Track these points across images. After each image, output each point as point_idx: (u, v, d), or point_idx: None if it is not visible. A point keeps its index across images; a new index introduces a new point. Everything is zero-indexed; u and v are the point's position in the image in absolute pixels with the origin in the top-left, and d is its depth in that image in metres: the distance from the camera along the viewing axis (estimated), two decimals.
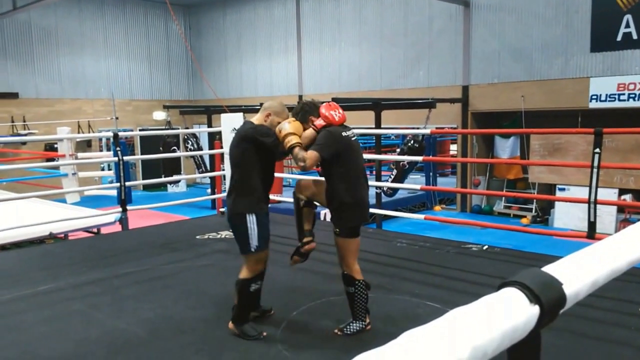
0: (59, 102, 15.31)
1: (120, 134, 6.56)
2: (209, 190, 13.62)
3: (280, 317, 3.60)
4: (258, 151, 3.23)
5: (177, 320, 3.62)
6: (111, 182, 11.17)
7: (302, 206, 3.50)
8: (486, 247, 5.40)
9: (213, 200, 10.37)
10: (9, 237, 6.01)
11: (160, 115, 15.80)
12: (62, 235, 6.88)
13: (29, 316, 3.69)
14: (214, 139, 10.62)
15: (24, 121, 14.45)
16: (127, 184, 6.68)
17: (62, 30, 15.37)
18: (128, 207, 6.54)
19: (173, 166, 14.12)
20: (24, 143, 12.56)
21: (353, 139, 3.37)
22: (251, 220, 3.21)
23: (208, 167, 13.12)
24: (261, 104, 12.00)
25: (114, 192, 9.24)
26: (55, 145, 12.73)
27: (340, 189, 3.26)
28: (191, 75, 18.13)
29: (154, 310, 3.79)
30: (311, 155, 3.14)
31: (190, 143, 12.94)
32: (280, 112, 3.37)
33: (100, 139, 15.56)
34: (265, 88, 15.73)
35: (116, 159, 6.42)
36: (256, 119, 3.40)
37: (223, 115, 6.91)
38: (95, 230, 7.30)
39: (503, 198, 11.57)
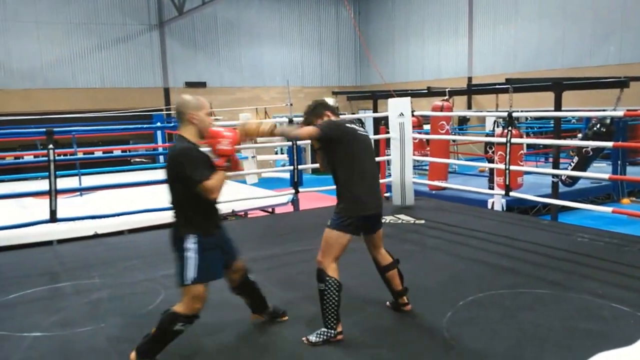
0: (240, 90, 16.68)
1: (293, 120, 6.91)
2: None
3: (446, 307, 3.52)
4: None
5: (345, 299, 3.73)
6: (284, 165, 11.88)
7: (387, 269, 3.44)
8: None
9: None
10: None
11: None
12: (243, 213, 7.53)
13: (214, 285, 4.09)
14: (379, 124, 10.69)
15: (211, 108, 15.95)
16: (300, 167, 7.03)
17: (243, 22, 16.66)
18: (299, 190, 6.91)
19: None
20: None
21: (361, 132, 3.25)
22: (190, 244, 2.73)
23: None
24: (428, 88, 11.61)
25: (287, 175, 9.82)
26: None
27: (345, 182, 3.15)
28: (358, 61, 18.44)
29: None
30: (307, 129, 3.11)
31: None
32: (199, 104, 2.79)
33: None
34: (433, 71, 15.39)
35: (290, 143, 6.79)
36: (186, 130, 2.79)
37: (390, 100, 6.90)
38: (270, 209, 7.85)
39: None
